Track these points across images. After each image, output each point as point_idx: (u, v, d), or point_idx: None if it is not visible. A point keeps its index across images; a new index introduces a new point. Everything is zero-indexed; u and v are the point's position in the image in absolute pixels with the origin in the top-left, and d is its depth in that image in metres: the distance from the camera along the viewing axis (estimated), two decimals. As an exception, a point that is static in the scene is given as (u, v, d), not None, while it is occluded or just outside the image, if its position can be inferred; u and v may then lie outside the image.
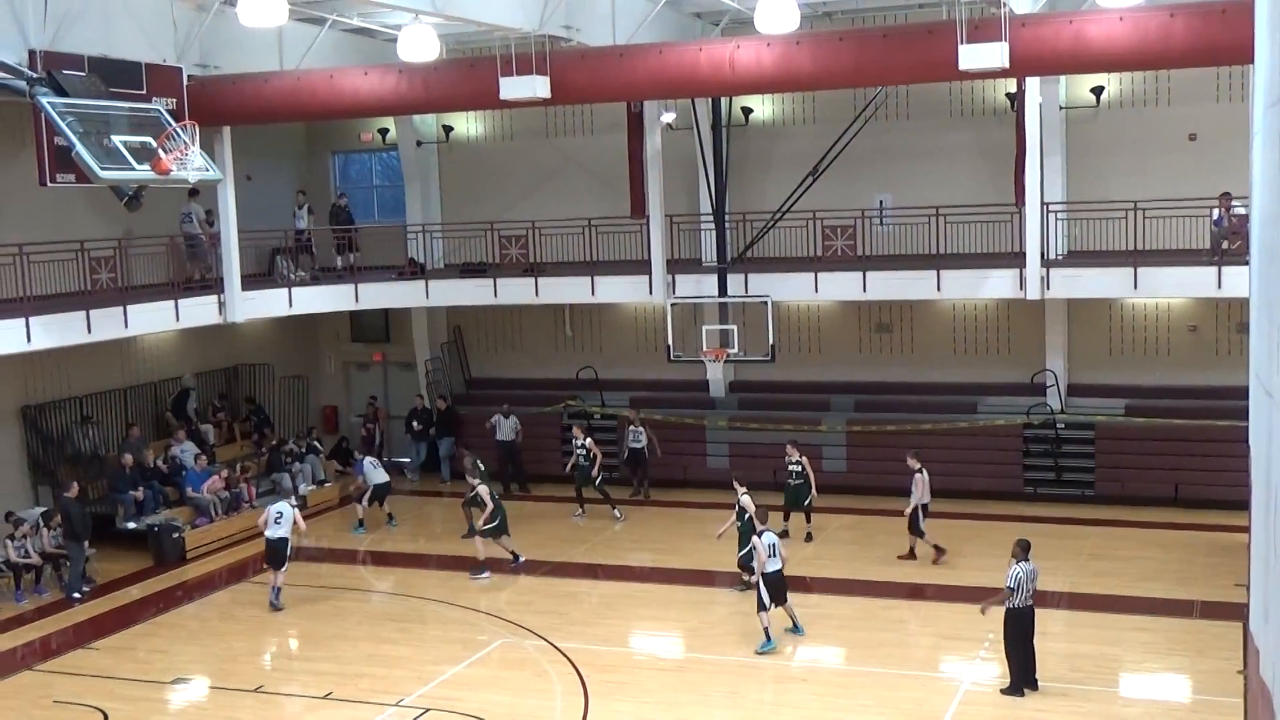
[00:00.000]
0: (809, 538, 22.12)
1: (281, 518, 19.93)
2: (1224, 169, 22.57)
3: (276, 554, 19.88)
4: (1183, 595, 18.87)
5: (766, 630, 17.05)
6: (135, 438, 24.12)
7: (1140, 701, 15.68)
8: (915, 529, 20.56)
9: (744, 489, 19.14)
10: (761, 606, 17.07)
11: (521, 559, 21.23)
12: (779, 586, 17.19)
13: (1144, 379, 24.74)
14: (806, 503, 22.13)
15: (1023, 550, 15.51)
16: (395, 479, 25.39)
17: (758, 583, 17.24)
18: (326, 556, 23.15)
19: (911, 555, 20.73)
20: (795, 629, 17.56)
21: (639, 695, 16.09)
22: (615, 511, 24.24)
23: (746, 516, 18.62)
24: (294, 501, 20.59)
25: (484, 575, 20.87)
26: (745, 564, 18.96)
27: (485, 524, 20.94)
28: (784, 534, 22.06)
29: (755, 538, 17.32)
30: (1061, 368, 24.93)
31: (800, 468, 22.00)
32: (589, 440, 24.37)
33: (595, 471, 24.21)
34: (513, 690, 16.32)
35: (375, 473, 24.46)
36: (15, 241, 20.38)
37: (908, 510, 20.50)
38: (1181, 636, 17.34)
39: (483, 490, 21.03)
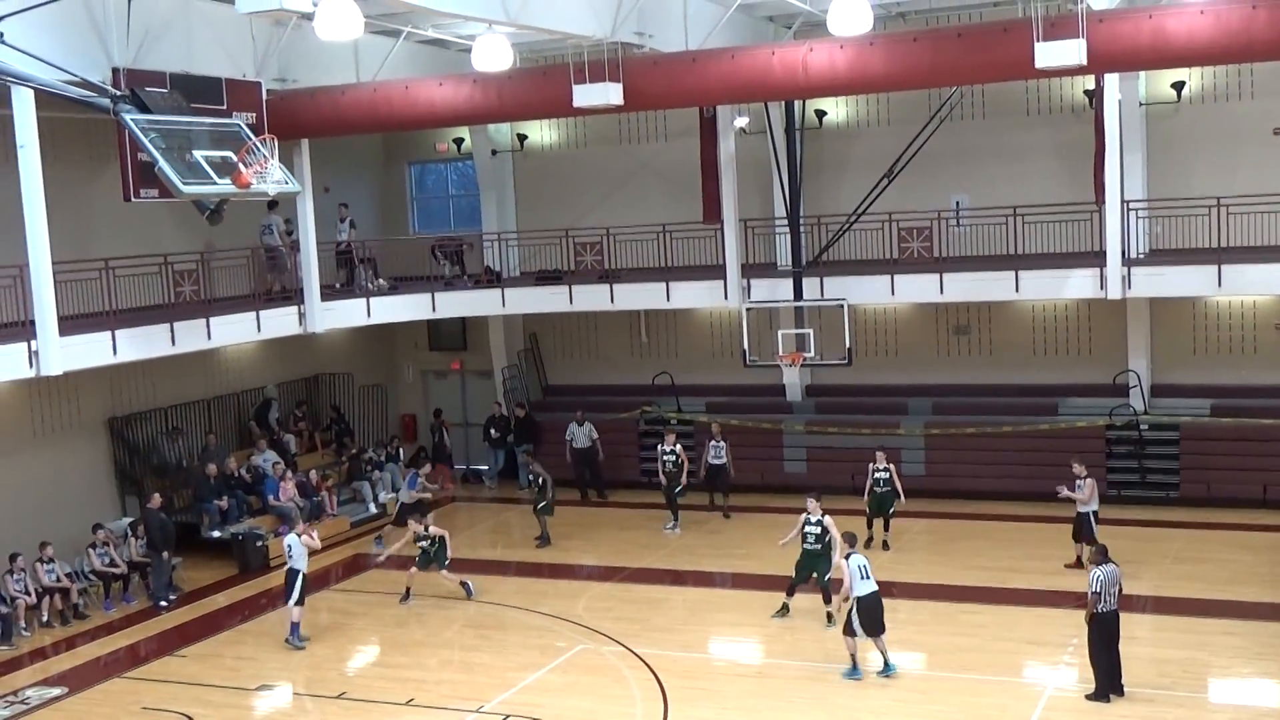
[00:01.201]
0: (885, 546, 21.85)
1: (291, 551, 19.11)
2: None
3: (287, 587, 19.10)
4: (1273, 598, 18.52)
5: (854, 657, 16.36)
6: (213, 446, 24.50)
7: (1229, 707, 15.39)
8: (1088, 536, 19.38)
9: (823, 510, 18.50)
10: (850, 631, 16.31)
11: (407, 600, 20.72)
12: (875, 612, 16.19)
13: (1230, 378, 24.29)
14: (890, 511, 21.86)
15: (1101, 554, 15.27)
16: (474, 486, 25.39)
17: (851, 608, 16.29)
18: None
19: (1078, 564, 19.71)
20: (886, 668, 16.37)
21: (718, 701, 16.06)
22: (671, 526, 24.05)
23: (828, 538, 18.18)
24: (300, 530, 19.57)
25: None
26: (824, 587, 18.42)
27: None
28: (869, 542, 21.83)
29: (842, 560, 16.55)
30: (1145, 368, 24.55)
31: (888, 474, 21.71)
32: (679, 447, 24.19)
33: (683, 479, 24.05)
34: (592, 696, 16.36)
35: (404, 492, 24.31)
36: (101, 256, 20.79)
37: (1072, 500, 19.89)
38: (1272, 640, 17.00)
39: (435, 531, 20.75)
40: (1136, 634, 16.62)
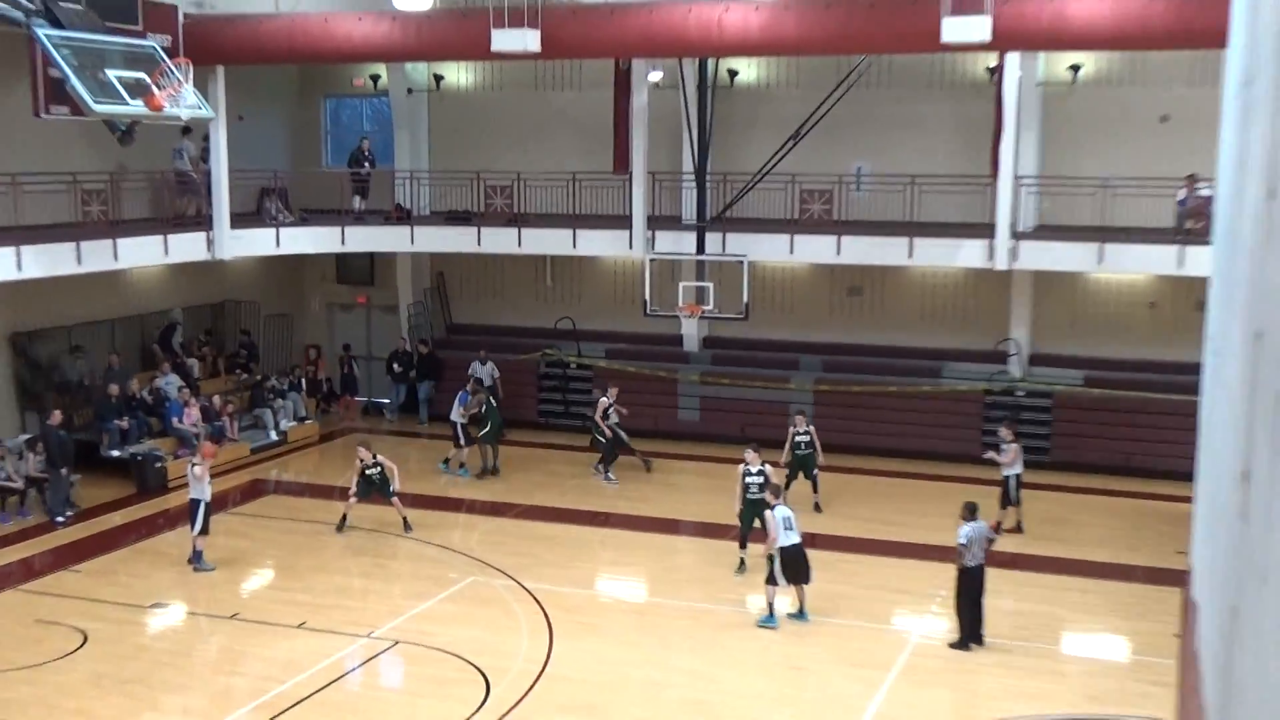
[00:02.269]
0: (817, 509, 21.80)
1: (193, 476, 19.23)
2: (1194, 151, 22.88)
3: (190, 515, 19.17)
4: (1128, 560, 19.58)
5: (771, 605, 16.84)
6: (116, 366, 24.53)
7: (1080, 660, 16.36)
8: (1003, 497, 20.28)
9: (763, 460, 18.92)
10: (771, 580, 16.81)
11: (343, 529, 20.99)
12: (796, 563, 16.72)
13: (1103, 351, 25.30)
14: (814, 471, 22.01)
15: (970, 511, 16.10)
16: (375, 418, 25.68)
17: (771, 556, 16.83)
18: (305, 491, 23.73)
19: (1019, 529, 20.64)
20: (800, 614, 16.98)
21: (602, 635, 16.70)
22: (609, 477, 24.28)
23: (763, 490, 18.25)
24: (190, 453, 19.44)
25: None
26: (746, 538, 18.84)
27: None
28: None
29: (768, 512, 16.96)
30: (1025, 337, 25.52)
31: (809, 437, 21.95)
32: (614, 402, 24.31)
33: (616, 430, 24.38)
34: (481, 626, 16.88)
35: (456, 410, 24.40)
36: (8, 171, 20.70)
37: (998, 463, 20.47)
38: (1124, 600, 18.03)
39: (383, 460, 21.08)
40: (1000, 588, 17.46)
